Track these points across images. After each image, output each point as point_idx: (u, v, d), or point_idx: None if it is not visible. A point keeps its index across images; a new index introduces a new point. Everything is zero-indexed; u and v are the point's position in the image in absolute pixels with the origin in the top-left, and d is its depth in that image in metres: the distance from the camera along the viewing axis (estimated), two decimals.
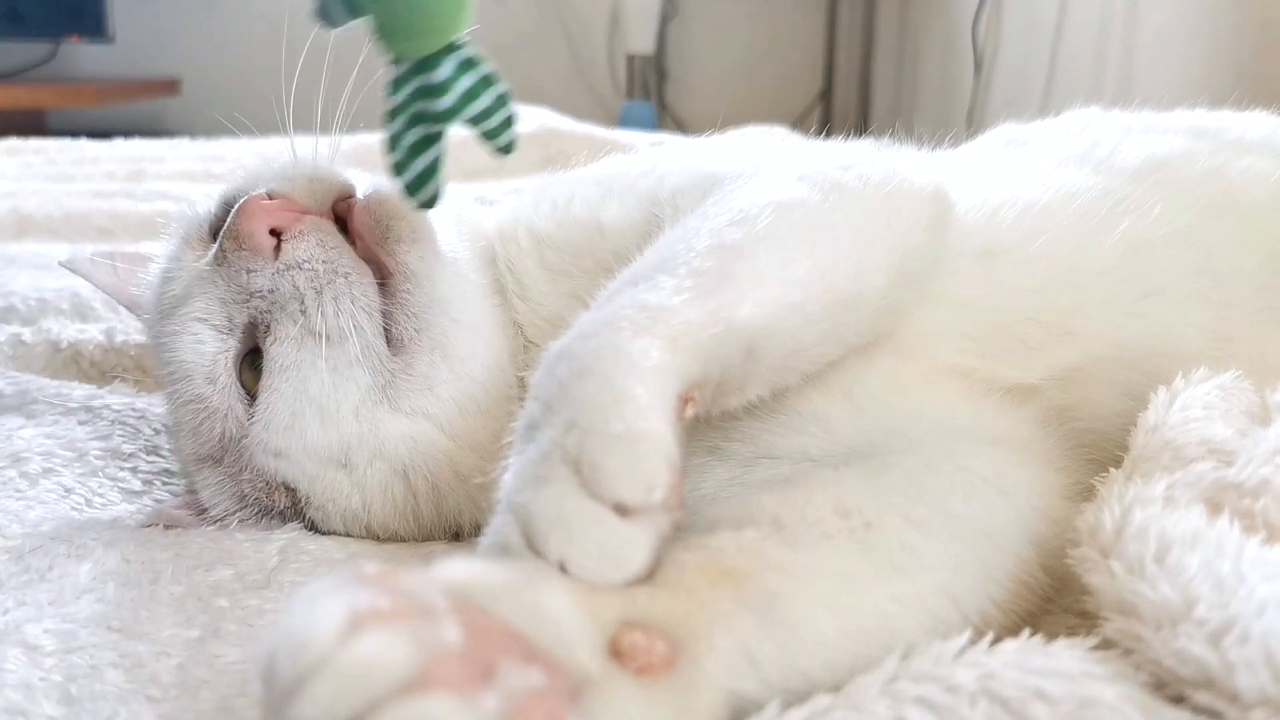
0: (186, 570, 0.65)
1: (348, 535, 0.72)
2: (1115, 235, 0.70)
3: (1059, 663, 0.47)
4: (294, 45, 0.80)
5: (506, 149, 0.67)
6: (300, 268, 0.68)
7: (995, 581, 0.54)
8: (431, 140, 0.66)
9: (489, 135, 0.66)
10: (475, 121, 0.66)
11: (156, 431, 0.89)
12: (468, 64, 0.65)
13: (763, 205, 0.60)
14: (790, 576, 0.49)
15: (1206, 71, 2.13)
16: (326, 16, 0.68)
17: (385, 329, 0.69)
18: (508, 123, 0.66)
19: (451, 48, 0.65)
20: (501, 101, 0.66)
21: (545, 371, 0.51)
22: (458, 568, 0.42)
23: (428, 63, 0.64)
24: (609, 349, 0.50)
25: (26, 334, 1.09)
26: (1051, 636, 0.49)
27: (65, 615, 0.60)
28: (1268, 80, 1.92)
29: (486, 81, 0.65)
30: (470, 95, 0.65)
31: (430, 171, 0.67)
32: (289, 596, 0.63)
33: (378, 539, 0.72)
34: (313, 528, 0.72)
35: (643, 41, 3.94)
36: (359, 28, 0.66)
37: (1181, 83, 2.17)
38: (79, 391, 0.95)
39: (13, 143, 2.40)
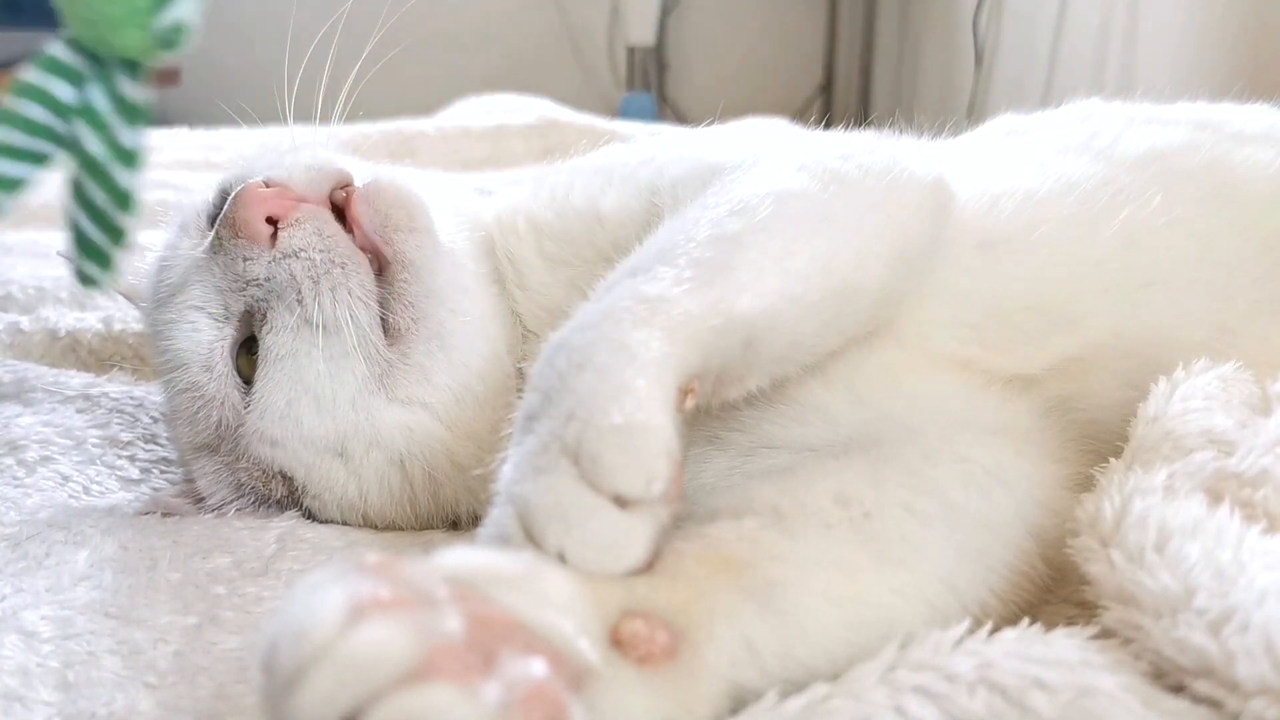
0: (184, 558, 0.66)
1: (345, 524, 0.72)
2: (1115, 224, 0.70)
3: (1058, 652, 0.47)
4: (295, 35, 0.80)
5: (87, 278, 0.54)
6: (297, 256, 0.68)
7: (994, 572, 0.54)
8: (36, 156, 0.52)
9: (82, 243, 0.53)
10: (81, 199, 0.52)
11: (154, 420, 0.89)
12: (131, 112, 0.51)
13: (762, 195, 0.60)
14: (790, 566, 0.49)
15: (1208, 64, 2.12)
16: None
17: (382, 318, 0.69)
18: (115, 238, 0.53)
19: (132, 67, 0.51)
20: (123, 202, 0.51)
21: (544, 363, 0.51)
22: (459, 557, 0.42)
23: (94, 69, 0.51)
24: (608, 340, 0.49)
25: (25, 322, 1.09)
26: (1051, 626, 0.50)
27: (63, 602, 0.61)
28: (1268, 73, 1.92)
29: (127, 158, 0.51)
30: (113, 157, 0.51)
31: (11, 183, 0.53)
32: (287, 584, 0.63)
33: (375, 528, 0.72)
34: (310, 516, 0.72)
35: (643, 33, 3.93)
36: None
37: (1183, 75, 2.17)
38: (77, 380, 0.94)
39: None
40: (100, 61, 0.50)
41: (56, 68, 0.51)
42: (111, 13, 0.48)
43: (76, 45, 0.51)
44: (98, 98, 0.51)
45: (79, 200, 0.53)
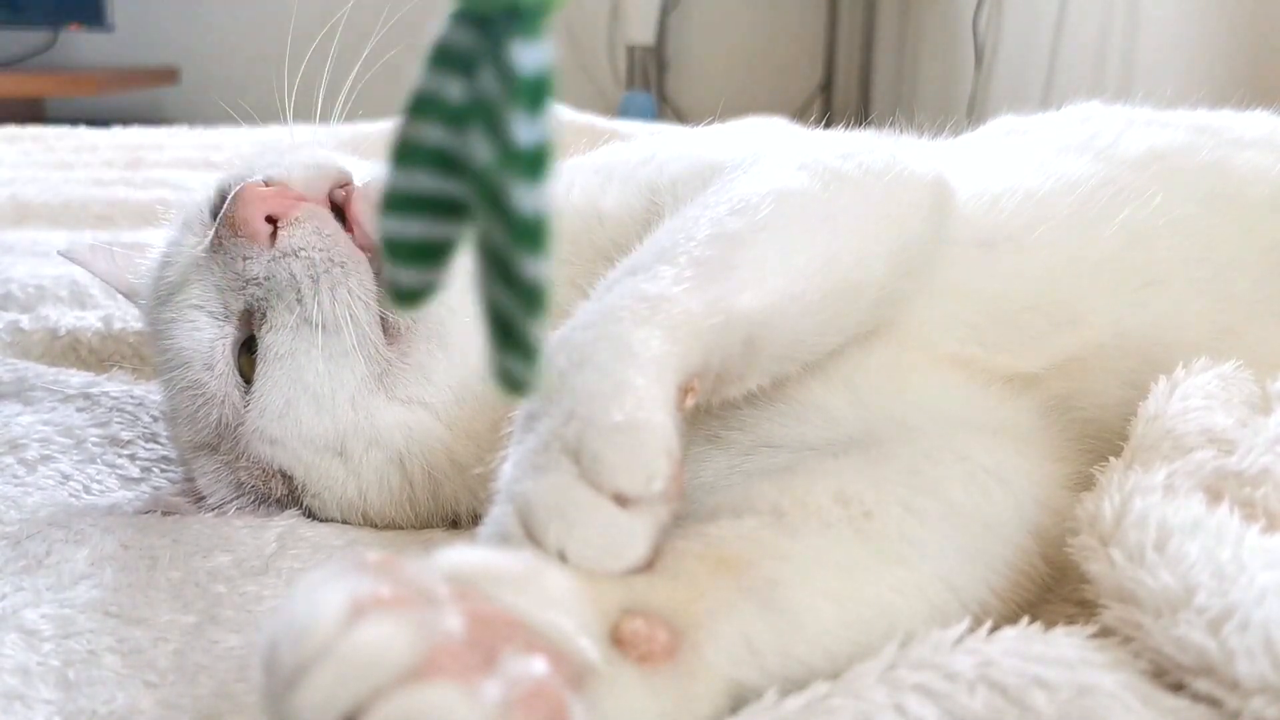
0: (184, 556, 0.65)
1: (345, 522, 0.72)
2: (1116, 224, 0.70)
3: (1058, 650, 0.47)
4: (295, 35, 0.80)
5: (509, 378, 0.35)
6: (296, 255, 0.68)
7: (994, 571, 0.54)
8: (449, 206, 0.33)
9: (495, 321, 0.34)
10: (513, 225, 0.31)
11: (154, 419, 0.89)
12: (531, 93, 0.31)
13: (763, 194, 0.60)
14: (790, 565, 0.49)
15: (1207, 64, 2.12)
16: None
17: (381, 317, 0.69)
18: (527, 300, 0.33)
19: (529, 20, 0.31)
20: (528, 235, 0.31)
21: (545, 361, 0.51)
22: (459, 555, 0.42)
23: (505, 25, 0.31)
24: (609, 339, 0.49)
25: (25, 321, 1.09)
26: (1050, 624, 0.49)
27: (63, 600, 0.60)
28: (1268, 73, 1.92)
29: (527, 164, 0.31)
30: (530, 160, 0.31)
31: (430, 250, 0.34)
32: (287, 583, 0.63)
33: (375, 526, 0.72)
34: (310, 515, 0.72)
35: (643, 32, 3.93)
36: None
37: (1183, 76, 2.17)
38: (77, 379, 0.95)
39: (11, 130, 2.40)
40: (489, 25, 0.32)
41: (448, 57, 0.33)
42: None
43: (463, 14, 0.33)
44: (489, 82, 0.32)
45: (483, 255, 0.33)
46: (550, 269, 0.32)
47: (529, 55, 0.31)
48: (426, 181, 0.33)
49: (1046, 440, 0.64)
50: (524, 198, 0.31)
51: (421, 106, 0.33)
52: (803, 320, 0.58)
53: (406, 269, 0.34)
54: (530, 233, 0.32)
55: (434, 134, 0.33)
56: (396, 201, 0.34)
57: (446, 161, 0.33)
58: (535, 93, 0.31)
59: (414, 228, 0.34)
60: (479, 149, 0.32)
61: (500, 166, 0.32)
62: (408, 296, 0.34)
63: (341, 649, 0.35)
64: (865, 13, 3.84)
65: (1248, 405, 0.62)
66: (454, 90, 0.33)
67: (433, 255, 0.34)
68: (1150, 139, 0.78)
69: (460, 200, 0.33)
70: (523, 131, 0.31)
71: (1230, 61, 2.07)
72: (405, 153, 0.33)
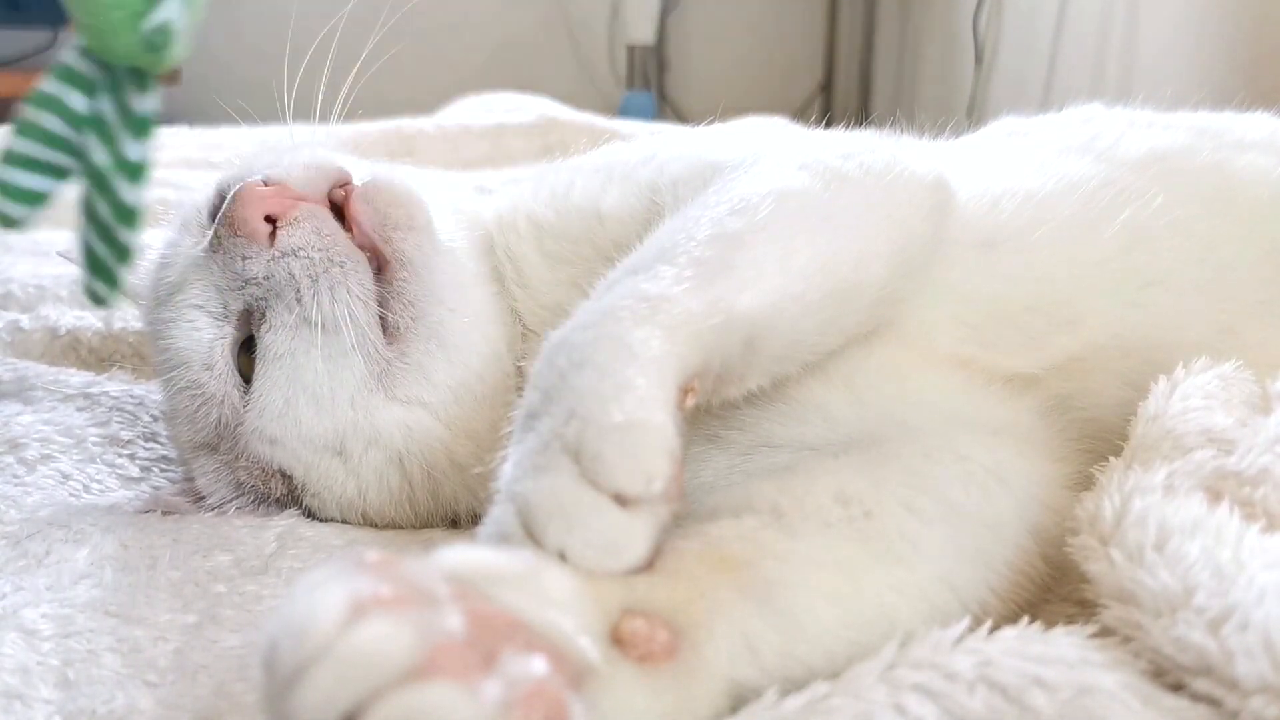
0: (184, 556, 0.65)
1: (345, 522, 0.72)
2: (1116, 225, 0.70)
3: (1058, 650, 0.47)
4: (295, 35, 0.80)
5: (96, 296, 0.53)
6: (295, 255, 0.68)
7: (994, 570, 0.54)
8: (55, 169, 0.51)
9: (91, 261, 0.51)
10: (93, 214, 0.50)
11: (154, 418, 0.89)
12: (137, 124, 0.49)
13: (764, 194, 0.60)
14: (790, 565, 0.49)
15: (1207, 64, 2.12)
16: None
17: (381, 317, 0.69)
18: (120, 255, 0.50)
19: (141, 77, 0.49)
20: (126, 216, 0.49)
21: (545, 361, 0.51)
22: (459, 555, 0.42)
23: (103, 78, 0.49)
24: (609, 339, 0.49)
25: (25, 320, 1.09)
26: (1050, 624, 0.49)
27: (63, 600, 0.61)
28: (1268, 73, 1.92)
29: (131, 171, 0.48)
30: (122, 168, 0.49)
31: (32, 196, 0.51)
32: (287, 582, 0.63)
33: (375, 526, 0.72)
34: (310, 514, 0.72)
35: (643, 32, 3.93)
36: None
37: (1182, 75, 2.17)
38: (77, 378, 0.94)
39: None
40: (110, 70, 0.49)
41: (71, 77, 0.50)
42: (111, 18, 0.47)
43: (88, 53, 0.49)
44: (107, 108, 0.49)
45: (88, 216, 0.51)
46: (139, 236, 0.51)
47: (141, 102, 0.49)
48: (39, 151, 0.50)
49: (1046, 440, 0.64)
50: (127, 192, 0.50)
51: (43, 103, 0.50)
52: (803, 320, 0.58)
53: (11, 205, 0.50)
54: (129, 214, 0.51)
55: (53, 124, 0.50)
56: (13, 159, 0.50)
57: (59, 143, 0.50)
58: (143, 126, 0.50)
59: (24, 179, 0.50)
60: (95, 151, 0.49)
61: (111, 168, 0.49)
62: (6, 222, 0.51)
63: (341, 649, 0.35)
64: (865, 13, 3.84)
65: (1248, 405, 0.62)
66: (75, 100, 0.49)
67: (35, 199, 0.51)
68: (1151, 140, 0.78)
69: (63, 166, 0.50)
70: (131, 149, 0.50)
71: (1230, 62, 2.07)
72: (26, 130, 0.50)
